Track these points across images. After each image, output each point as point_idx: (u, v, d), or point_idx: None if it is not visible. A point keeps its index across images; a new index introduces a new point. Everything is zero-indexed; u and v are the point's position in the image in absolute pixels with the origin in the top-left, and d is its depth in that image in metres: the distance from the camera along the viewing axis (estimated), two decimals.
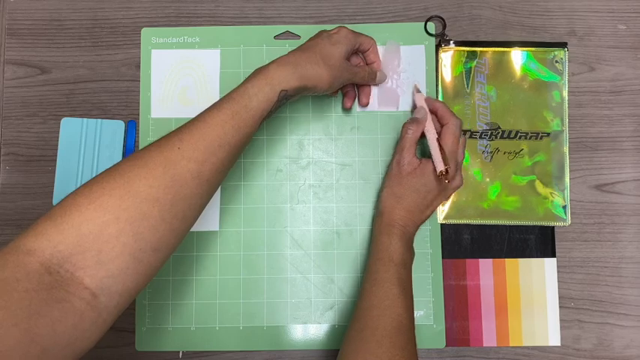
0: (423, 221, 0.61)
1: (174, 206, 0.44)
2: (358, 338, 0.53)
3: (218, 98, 0.65)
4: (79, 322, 0.39)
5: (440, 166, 0.57)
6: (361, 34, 0.63)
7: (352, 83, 0.65)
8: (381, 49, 0.67)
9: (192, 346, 0.64)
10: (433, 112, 0.61)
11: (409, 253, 0.59)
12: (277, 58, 0.55)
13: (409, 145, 0.59)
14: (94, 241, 0.40)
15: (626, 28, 0.69)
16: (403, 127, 0.61)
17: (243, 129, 0.50)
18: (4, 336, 0.34)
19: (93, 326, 0.40)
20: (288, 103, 0.59)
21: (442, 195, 0.60)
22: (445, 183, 0.58)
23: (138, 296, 0.64)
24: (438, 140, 0.58)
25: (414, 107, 0.65)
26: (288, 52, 0.57)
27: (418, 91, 0.65)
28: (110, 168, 0.44)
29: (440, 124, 0.61)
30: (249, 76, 0.53)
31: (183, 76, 0.68)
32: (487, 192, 0.65)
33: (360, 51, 0.65)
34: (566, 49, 0.67)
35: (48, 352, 0.36)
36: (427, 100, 0.63)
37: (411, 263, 0.59)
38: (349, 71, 0.60)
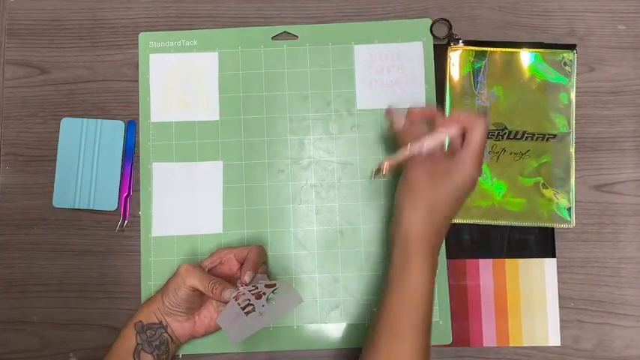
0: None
1: None
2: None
3: (217, 101, 0.67)
4: None
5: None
6: (209, 258, 0.61)
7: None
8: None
9: (199, 348, 0.64)
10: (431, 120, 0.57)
11: (434, 275, 0.55)
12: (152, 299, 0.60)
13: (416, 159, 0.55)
14: None
15: (626, 28, 0.69)
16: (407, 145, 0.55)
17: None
18: None
19: None
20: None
21: (468, 192, 0.54)
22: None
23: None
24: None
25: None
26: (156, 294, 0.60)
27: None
28: None
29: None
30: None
31: (182, 80, 0.68)
32: (492, 192, 0.65)
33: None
34: (575, 51, 0.66)
35: None
36: (421, 112, 0.59)
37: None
38: (193, 284, 0.56)
